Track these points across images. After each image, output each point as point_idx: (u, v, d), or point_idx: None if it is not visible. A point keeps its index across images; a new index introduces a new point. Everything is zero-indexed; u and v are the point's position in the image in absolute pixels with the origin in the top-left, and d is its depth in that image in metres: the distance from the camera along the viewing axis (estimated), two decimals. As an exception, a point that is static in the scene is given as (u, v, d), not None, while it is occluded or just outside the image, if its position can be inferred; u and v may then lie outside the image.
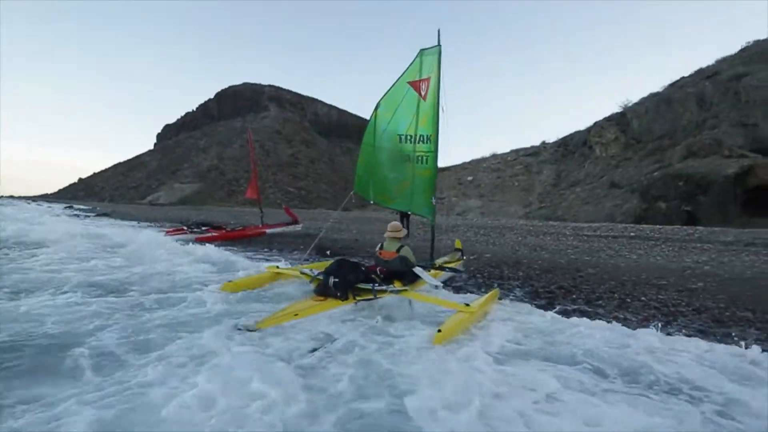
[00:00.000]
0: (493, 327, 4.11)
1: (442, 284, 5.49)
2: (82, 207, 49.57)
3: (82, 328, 3.67)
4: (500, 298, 5.29)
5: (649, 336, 3.84)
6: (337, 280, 4.36)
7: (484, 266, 8.01)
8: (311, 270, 5.15)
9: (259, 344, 3.46)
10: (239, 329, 3.61)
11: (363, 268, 4.78)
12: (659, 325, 4.17)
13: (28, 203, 58.91)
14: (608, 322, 4.43)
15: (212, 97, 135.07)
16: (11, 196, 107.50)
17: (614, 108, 42.16)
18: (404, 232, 5.61)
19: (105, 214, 30.44)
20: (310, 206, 72.93)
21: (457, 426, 2.34)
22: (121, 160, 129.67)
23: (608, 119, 40.65)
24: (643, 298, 5.61)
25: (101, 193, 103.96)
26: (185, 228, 13.59)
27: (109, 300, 4.65)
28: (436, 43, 6.12)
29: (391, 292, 4.53)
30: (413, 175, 6.41)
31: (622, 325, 4.25)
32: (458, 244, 7.93)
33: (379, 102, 6.37)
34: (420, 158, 6.31)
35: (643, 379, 3.08)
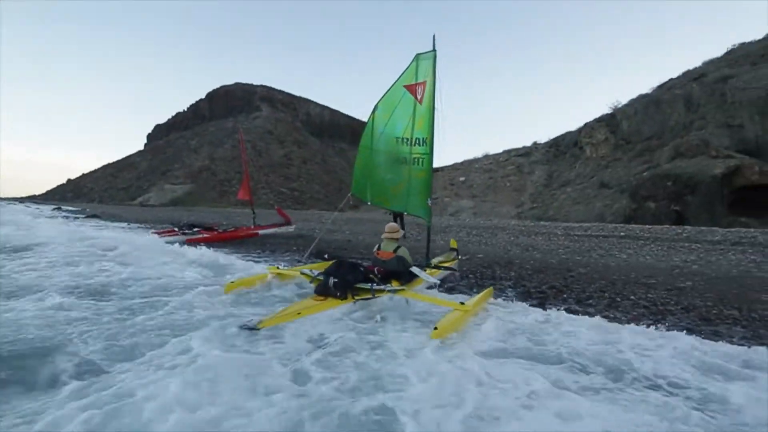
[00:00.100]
0: (485, 326, 4.17)
1: (439, 282, 5.59)
2: (71, 208, 48.87)
3: (66, 333, 3.62)
4: (494, 298, 5.37)
5: (634, 333, 3.97)
6: (336, 280, 4.49)
7: (476, 267, 8.06)
8: (311, 270, 5.29)
9: (258, 345, 3.47)
10: (242, 329, 3.65)
11: (361, 269, 4.90)
12: (646, 322, 4.25)
13: (16, 204, 57.93)
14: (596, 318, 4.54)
15: (203, 97, 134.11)
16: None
17: (604, 109, 42.61)
18: (401, 233, 5.72)
19: (94, 216, 30.04)
20: (302, 207, 72.66)
21: (445, 426, 2.37)
22: (111, 160, 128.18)
23: (598, 120, 41.09)
24: (632, 297, 5.69)
25: (90, 194, 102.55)
26: (176, 229, 13.47)
27: (98, 304, 4.61)
28: (432, 48, 6.23)
29: (389, 291, 4.67)
30: (409, 177, 6.52)
31: (609, 322, 4.37)
32: (453, 244, 8.00)
33: (376, 105, 6.48)
34: (416, 160, 6.42)
35: (626, 376, 3.14)
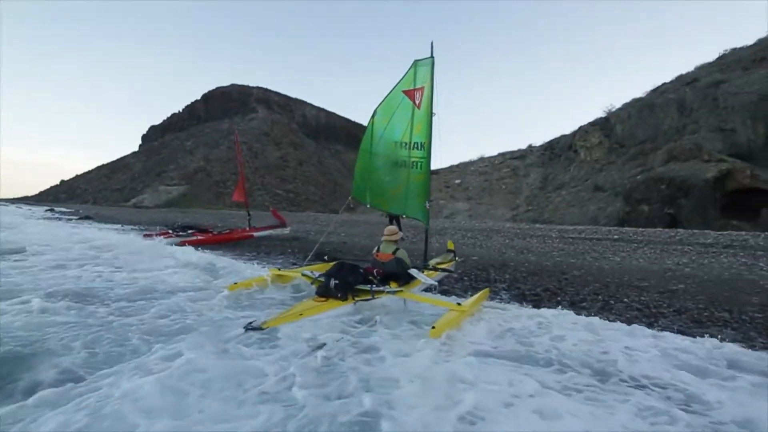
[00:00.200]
0: (479, 327, 4.24)
1: (437, 284, 5.67)
2: (64, 210, 48.42)
3: (49, 338, 3.57)
4: (489, 300, 5.46)
5: (623, 334, 4.10)
6: (337, 281, 4.60)
7: (471, 269, 8.08)
8: (312, 272, 5.42)
9: (251, 349, 3.45)
10: (247, 329, 3.70)
11: (361, 270, 5.02)
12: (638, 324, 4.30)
13: (7, 206, 57.34)
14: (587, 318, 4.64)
15: (199, 98, 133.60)
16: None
17: (599, 113, 43.06)
18: (400, 235, 5.84)
19: (88, 218, 29.77)
20: (298, 209, 72.61)
21: (432, 427, 2.38)
22: (105, 161, 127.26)
23: (593, 124, 41.45)
24: (625, 300, 5.72)
25: (84, 195, 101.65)
26: (170, 231, 13.39)
27: (85, 308, 4.54)
28: (430, 55, 6.37)
29: (388, 292, 4.77)
30: (408, 180, 6.64)
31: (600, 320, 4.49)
32: (450, 246, 8.08)
33: (375, 109, 6.59)
34: (414, 164, 6.54)
35: (612, 376, 3.18)
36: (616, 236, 16.09)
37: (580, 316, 4.74)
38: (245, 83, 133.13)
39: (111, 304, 4.76)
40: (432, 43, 6.41)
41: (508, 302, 5.61)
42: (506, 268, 8.24)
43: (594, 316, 4.89)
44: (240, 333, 3.75)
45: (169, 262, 8.06)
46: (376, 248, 5.76)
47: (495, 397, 2.73)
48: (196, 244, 11.27)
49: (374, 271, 5.25)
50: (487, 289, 5.61)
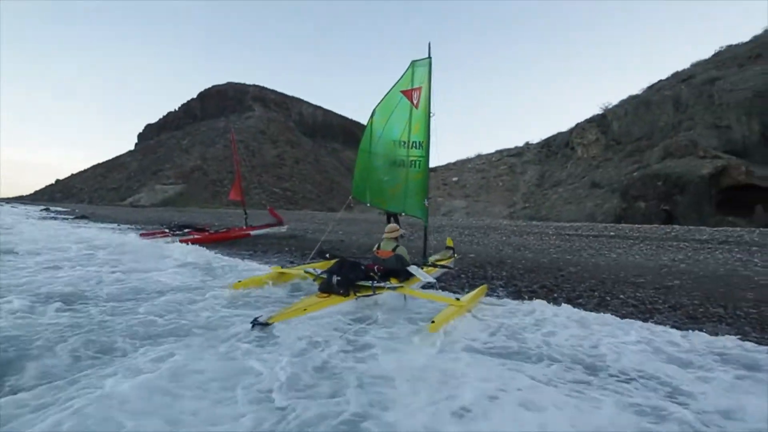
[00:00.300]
0: (475, 323, 4.35)
1: (435, 280, 5.77)
2: (59, 209, 48.18)
3: (38, 338, 3.56)
4: (487, 295, 5.55)
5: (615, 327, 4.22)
6: (339, 278, 4.74)
7: (468, 266, 8.09)
8: (314, 269, 5.59)
9: (247, 348, 3.44)
10: (254, 325, 3.78)
11: (362, 267, 5.15)
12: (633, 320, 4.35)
13: (2, 206, 56.97)
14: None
15: (195, 96, 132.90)
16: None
17: (595, 109, 43.10)
18: (401, 232, 6.00)
19: (83, 217, 29.62)
20: (295, 207, 72.46)
21: (429, 425, 2.40)
22: (101, 160, 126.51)
23: (589, 121, 41.55)
24: (621, 296, 5.75)
25: (80, 194, 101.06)
26: (167, 230, 13.33)
27: (77, 308, 4.53)
28: (427, 55, 6.46)
29: (389, 288, 4.91)
30: (406, 179, 6.76)
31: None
32: (449, 243, 8.19)
33: (374, 109, 6.69)
34: (413, 163, 6.66)
35: (601, 370, 3.25)
36: (612, 233, 16.15)
37: (575, 309, 4.86)
38: (241, 81, 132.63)
39: (104, 304, 4.73)
40: (429, 44, 6.52)
41: (505, 299, 5.64)
42: (503, 265, 8.26)
43: (590, 312, 4.95)
44: (240, 331, 3.79)
45: (166, 262, 8.04)
46: (376, 245, 5.90)
47: (485, 392, 2.76)
48: (193, 243, 11.23)
49: (375, 267, 5.36)
50: (484, 286, 5.70)
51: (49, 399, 2.54)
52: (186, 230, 13.34)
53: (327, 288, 4.73)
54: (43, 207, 51.46)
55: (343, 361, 3.26)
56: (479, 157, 52.15)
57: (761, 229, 17.10)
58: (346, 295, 4.66)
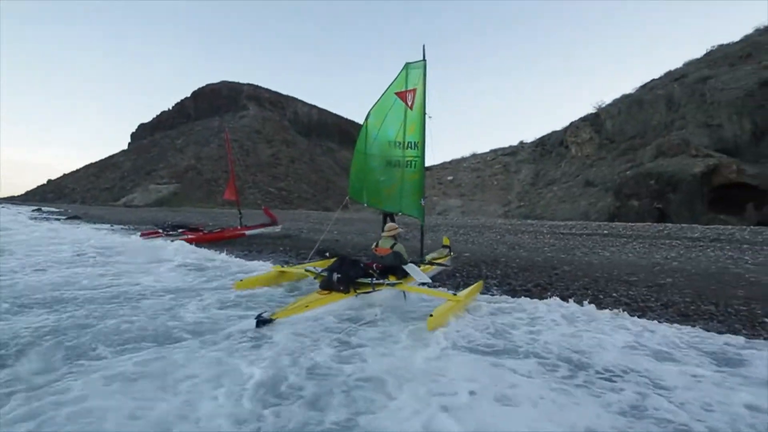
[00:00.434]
0: (470, 319, 4.43)
1: (430, 280, 5.88)
2: (51, 210, 47.74)
3: (22, 341, 3.54)
4: (481, 293, 5.64)
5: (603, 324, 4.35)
6: (339, 275, 4.88)
7: (463, 266, 8.11)
8: (315, 268, 5.75)
9: (240, 349, 3.43)
10: (258, 321, 3.86)
11: (362, 265, 5.29)
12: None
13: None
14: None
15: (189, 95, 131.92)
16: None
17: (589, 108, 43.30)
18: (399, 230, 6.18)
19: (76, 217, 29.35)
20: (290, 206, 72.23)
21: (423, 423, 2.41)
22: (93, 160, 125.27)
23: (583, 119, 41.72)
24: (614, 295, 5.79)
25: (72, 194, 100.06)
26: (160, 231, 13.24)
27: (59, 310, 4.48)
28: (422, 58, 6.57)
29: (388, 285, 5.08)
30: (402, 179, 6.90)
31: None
32: (446, 241, 8.33)
33: (369, 112, 6.83)
34: (409, 163, 6.81)
35: (588, 367, 3.30)
36: (606, 231, 16.25)
37: (567, 303, 5.04)
38: (236, 80, 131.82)
39: (89, 307, 4.67)
40: (424, 47, 6.65)
41: (499, 296, 5.69)
42: (498, 264, 8.28)
43: (580, 306, 5.08)
44: (233, 331, 3.79)
45: (159, 262, 7.98)
46: (375, 243, 6.08)
47: (474, 393, 2.78)
48: (188, 243, 11.16)
49: (374, 265, 5.51)
50: (480, 282, 5.87)
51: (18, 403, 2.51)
52: (180, 230, 13.26)
53: (328, 285, 4.86)
54: (34, 207, 50.92)
55: (332, 363, 3.25)
56: (474, 156, 52.23)
57: (752, 227, 17.30)
58: (346, 292, 4.79)
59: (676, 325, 4.35)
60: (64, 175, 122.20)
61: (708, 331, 4.17)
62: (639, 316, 4.75)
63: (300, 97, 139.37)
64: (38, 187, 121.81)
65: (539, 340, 3.85)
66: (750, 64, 31.71)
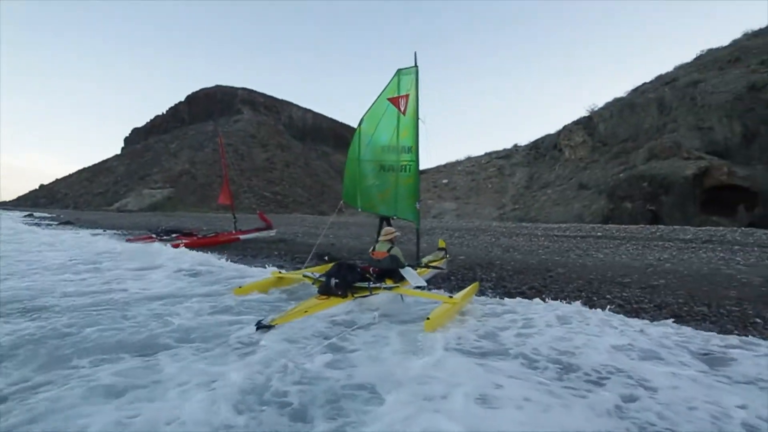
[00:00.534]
0: (465, 321, 4.47)
1: (426, 282, 5.91)
2: (44, 215, 47.28)
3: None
4: (476, 295, 5.68)
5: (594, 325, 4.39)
6: (337, 280, 4.93)
7: (458, 269, 8.12)
8: (313, 273, 5.79)
9: (234, 356, 3.40)
10: (258, 327, 3.85)
11: (359, 269, 5.34)
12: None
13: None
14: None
15: (182, 100, 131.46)
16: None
17: (582, 112, 43.66)
18: (396, 234, 6.22)
19: (68, 222, 29.05)
20: (286, 210, 71.97)
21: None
22: (87, 165, 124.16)
23: (576, 123, 42.05)
24: (608, 296, 5.82)
25: (65, 200, 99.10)
26: (153, 235, 13.16)
27: (42, 319, 4.39)
28: (413, 64, 6.69)
29: (385, 288, 5.12)
30: (396, 183, 6.99)
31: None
32: (442, 244, 8.37)
33: (362, 118, 6.95)
34: (403, 167, 6.90)
35: (577, 368, 3.32)
36: (599, 233, 16.36)
37: (562, 305, 5.11)
38: (230, 84, 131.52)
39: (74, 314, 4.58)
40: (415, 54, 6.79)
41: (493, 299, 5.71)
42: (492, 267, 8.30)
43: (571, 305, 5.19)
44: (225, 337, 3.76)
45: (152, 268, 7.91)
46: (372, 247, 6.14)
47: (467, 397, 2.78)
48: (181, 248, 11.08)
49: (371, 269, 5.56)
50: (476, 283, 5.93)
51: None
52: (174, 235, 13.19)
53: (326, 290, 4.92)
54: (26, 213, 50.37)
55: (323, 368, 3.21)
56: (469, 159, 52.39)
57: (743, 228, 17.50)
58: (344, 296, 4.84)
59: (668, 325, 4.38)
60: (57, 180, 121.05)
61: (700, 331, 4.20)
62: (632, 318, 4.78)
63: (295, 101, 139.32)
64: (30, 192, 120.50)
65: (533, 342, 3.86)
66: (739, 68, 32.20)
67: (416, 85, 6.66)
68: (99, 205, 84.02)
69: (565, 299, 5.70)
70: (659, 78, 41.26)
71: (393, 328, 4.26)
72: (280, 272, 6.22)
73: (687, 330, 4.23)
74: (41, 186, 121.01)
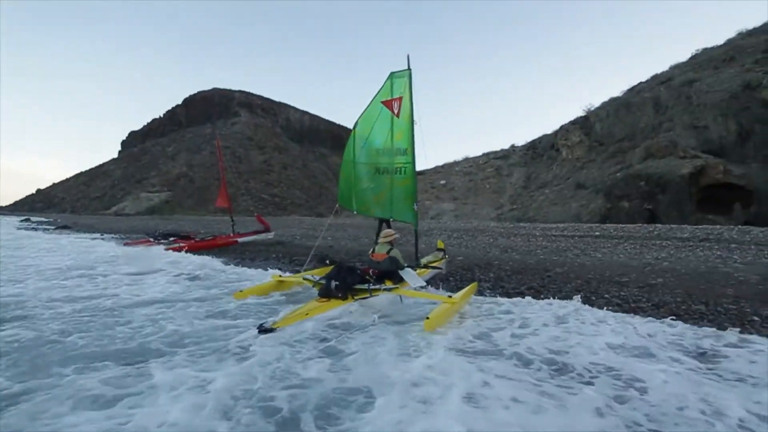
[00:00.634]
0: (460, 324, 4.47)
1: (425, 283, 5.98)
2: (41, 219, 47.07)
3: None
4: (475, 295, 5.72)
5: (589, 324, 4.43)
6: (337, 283, 4.93)
7: (456, 269, 8.13)
8: (312, 276, 5.81)
9: (230, 361, 3.38)
10: (260, 330, 3.86)
11: (358, 271, 5.33)
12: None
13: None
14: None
15: (180, 103, 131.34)
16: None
17: (579, 112, 43.85)
18: (396, 236, 6.27)
19: (66, 227, 28.92)
20: (284, 213, 72.03)
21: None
22: (83, 169, 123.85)
23: (573, 122, 42.23)
24: (606, 296, 5.83)
25: (62, 204, 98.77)
26: (151, 239, 13.11)
27: (34, 324, 4.35)
28: (407, 67, 6.76)
29: (385, 290, 5.15)
30: (391, 185, 7.01)
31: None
32: (440, 245, 8.40)
33: (356, 121, 7.01)
34: (398, 169, 6.93)
35: (570, 367, 3.34)
36: (597, 233, 16.41)
37: (560, 303, 5.17)
38: (227, 87, 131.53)
39: (64, 319, 4.55)
40: (408, 57, 6.85)
41: (491, 298, 5.75)
42: (491, 267, 8.31)
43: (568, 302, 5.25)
44: (220, 342, 3.74)
45: (150, 271, 7.89)
46: (371, 249, 6.19)
47: (463, 393, 2.79)
48: (179, 251, 11.05)
49: (370, 270, 5.57)
50: (475, 283, 5.97)
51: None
52: (171, 239, 13.13)
53: (326, 293, 4.91)
54: (23, 218, 50.15)
55: (317, 373, 3.17)
56: (466, 160, 52.53)
57: (740, 226, 17.60)
58: (344, 298, 4.84)
59: (666, 324, 4.40)
60: (54, 184, 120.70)
61: (698, 329, 4.21)
62: (631, 317, 4.79)
63: (292, 104, 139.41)
64: (27, 196, 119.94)
65: (530, 341, 3.86)
66: (733, 67, 32.41)
67: (410, 88, 6.70)
68: (96, 209, 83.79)
69: (564, 299, 5.72)
70: (655, 77, 41.52)
71: (391, 329, 4.27)
72: (280, 276, 6.23)
73: (685, 328, 4.24)
74: (38, 190, 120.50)
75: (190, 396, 2.71)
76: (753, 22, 43.64)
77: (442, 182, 46.50)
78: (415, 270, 5.97)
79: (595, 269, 7.94)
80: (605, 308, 5.08)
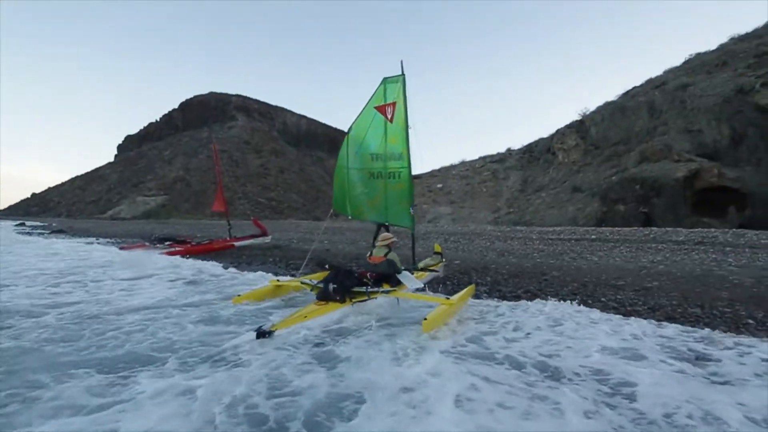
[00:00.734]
0: (459, 324, 4.54)
1: (424, 285, 6.00)
2: (36, 224, 46.77)
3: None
4: (473, 298, 5.77)
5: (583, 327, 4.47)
6: (335, 286, 4.96)
7: (453, 273, 8.13)
8: (310, 280, 5.83)
9: (223, 367, 3.37)
10: (258, 334, 3.84)
11: (356, 275, 5.38)
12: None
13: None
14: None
15: (176, 107, 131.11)
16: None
17: (574, 115, 44.03)
18: (394, 239, 6.33)
19: (61, 231, 28.75)
20: (280, 216, 71.84)
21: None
22: (79, 173, 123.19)
23: (569, 126, 42.41)
24: (602, 299, 5.85)
25: (57, 208, 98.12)
26: (147, 243, 13.06)
27: (24, 329, 4.35)
28: (400, 72, 6.81)
29: (382, 293, 5.19)
30: (385, 190, 7.03)
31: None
32: (437, 248, 8.43)
33: (350, 127, 7.06)
34: (393, 174, 6.95)
35: (564, 371, 3.35)
36: (593, 236, 16.47)
37: (557, 305, 5.26)
38: (224, 91, 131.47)
39: (56, 326, 4.51)
40: (402, 62, 6.92)
41: (487, 301, 5.77)
42: (488, 271, 8.32)
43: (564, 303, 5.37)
44: (213, 348, 3.73)
45: (146, 276, 7.85)
46: (369, 252, 6.25)
47: (459, 398, 2.80)
48: (175, 256, 11.01)
49: (368, 274, 5.59)
50: (472, 286, 6.01)
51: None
52: (167, 243, 13.09)
53: (324, 296, 4.94)
54: (18, 222, 49.81)
55: (309, 379, 3.16)
56: (463, 163, 52.57)
57: (734, 229, 17.71)
58: (342, 301, 4.88)
59: (662, 327, 4.42)
60: (49, 188, 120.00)
61: (693, 332, 4.24)
62: (627, 320, 4.81)
63: (289, 108, 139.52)
64: (22, 201, 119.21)
65: (526, 344, 3.89)
66: (726, 71, 32.73)
67: (404, 93, 6.74)
68: (92, 214, 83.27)
69: (561, 302, 5.74)
70: (649, 81, 41.83)
71: (388, 332, 4.28)
72: (278, 280, 6.24)
73: (680, 331, 4.27)
74: (33, 194, 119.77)
75: (175, 403, 2.67)
76: (745, 27, 44.15)
77: (439, 186, 46.54)
78: (413, 273, 6.01)
79: (591, 272, 7.96)
80: (601, 311, 5.11)
